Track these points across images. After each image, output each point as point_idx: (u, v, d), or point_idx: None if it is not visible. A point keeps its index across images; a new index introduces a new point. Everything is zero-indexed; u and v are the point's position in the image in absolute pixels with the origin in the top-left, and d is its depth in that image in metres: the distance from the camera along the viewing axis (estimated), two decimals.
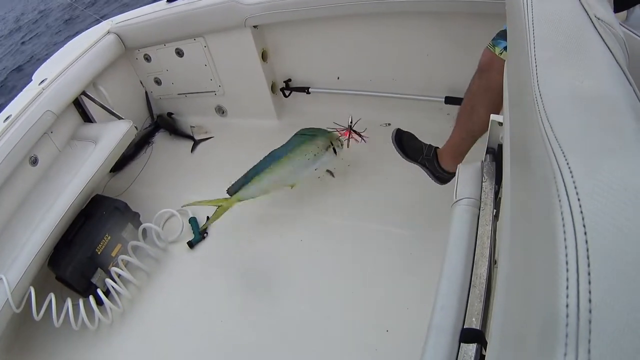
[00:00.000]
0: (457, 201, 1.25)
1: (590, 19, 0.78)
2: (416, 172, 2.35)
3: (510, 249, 0.73)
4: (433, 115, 2.91)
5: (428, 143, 2.31)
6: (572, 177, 0.48)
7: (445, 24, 2.59)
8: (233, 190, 2.73)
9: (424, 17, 2.60)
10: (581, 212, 0.44)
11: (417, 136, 2.36)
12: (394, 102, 3.03)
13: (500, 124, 1.31)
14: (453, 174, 2.06)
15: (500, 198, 1.21)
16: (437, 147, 2.27)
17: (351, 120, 2.82)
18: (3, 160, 2.63)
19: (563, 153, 0.52)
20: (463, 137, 2.11)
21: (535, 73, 0.69)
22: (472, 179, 1.30)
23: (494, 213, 1.19)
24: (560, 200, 0.47)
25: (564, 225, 0.44)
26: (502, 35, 1.87)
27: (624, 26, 1.63)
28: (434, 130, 2.43)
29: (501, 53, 1.86)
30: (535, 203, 0.57)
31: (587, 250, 0.40)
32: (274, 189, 2.73)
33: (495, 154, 1.37)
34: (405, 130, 2.37)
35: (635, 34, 1.62)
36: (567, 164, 0.50)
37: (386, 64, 2.87)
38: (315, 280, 2.39)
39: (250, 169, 2.75)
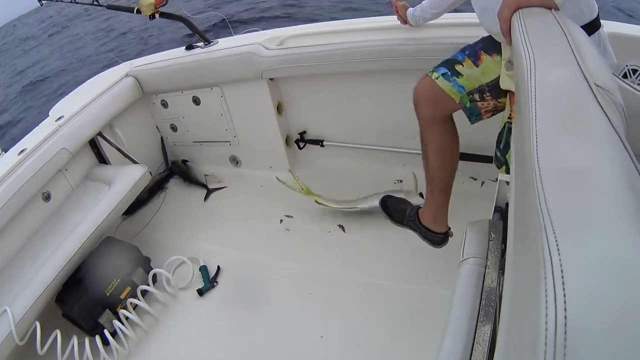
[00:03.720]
0: (464, 260, 1.25)
1: (590, 88, 0.79)
2: None
3: (507, 311, 0.74)
4: None
5: (416, 205, 2.25)
6: (558, 252, 0.50)
7: None
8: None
9: None
10: (563, 288, 0.46)
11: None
12: (408, 157, 3.01)
13: (508, 183, 1.33)
14: (441, 234, 2.11)
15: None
16: (420, 207, 2.20)
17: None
18: (15, 193, 2.61)
19: (552, 227, 0.54)
20: (431, 190, 2.06)
21: (535, 144, 0.71)
22: (480, 237, 1.30)
23: (500, 272, 1.19)
24: (545, 277, 0.48)
25: (546, 302, 0.46)
26: (446, 63, 1.87)
27: (625, 82, 1.66)
28: None
29: (437, 78, 1.85)
30: (527, 271, 0.59)
31: (565, 325, 0.42)
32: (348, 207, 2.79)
33: (503, 212, 1.38)
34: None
35: (636, 89, 1.64)
36: (556, 241, 0.51)
37: (400, 119, 2.91)
38: (322, 333, 2.33)
39: None
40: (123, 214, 3.28)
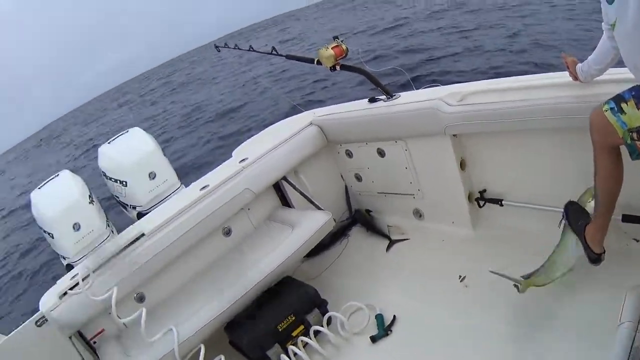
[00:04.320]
0: (621, 324, 1.27)
1: None
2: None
3: None
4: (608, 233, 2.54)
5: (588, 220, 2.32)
6: None
7: None
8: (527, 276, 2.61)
9: None
10: None
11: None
12: None
13: None
14: (596, 254, 2.20)
15: None
16: (588, 223, 2.29)
17: None
18: (197, 224, 2.82)
19: None
20: (596, 210, 2.20)
21: None
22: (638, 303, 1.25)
23: None
24: None
25: None
26: (615, 98, 1.96)
27: None
28: (610, 248, 2.25)
29: (606, 111, 1.96)
30: None
31: None
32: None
33: None
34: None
35: None
36: None
37: (581, 180, 2.59)
38: None
39: None
40: (304, 256, 3.34)
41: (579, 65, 2.34)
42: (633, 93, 1.91)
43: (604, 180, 2.11)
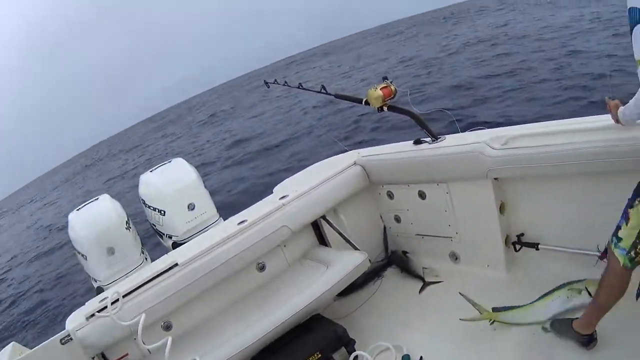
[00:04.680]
0: None
1: None
2: None
3: None
4: None
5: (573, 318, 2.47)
6: None
7: None
8: (497, 310, 2.79)
9: None
10: None
11: None
12: None
13: None
14: (588, 335, 2.36)
15: None
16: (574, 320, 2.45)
17: None
18: (231, 259, 2.89)
19: None
20: (594, 308, 2.33)
21: None
22: None
23: None
24: None
25: None
26: (616, 231, 2.12)
27: None
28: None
29: (615, 249, 2.11)
30: None
31: None
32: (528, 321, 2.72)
33: None
34: None
35: None
36: None
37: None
38: None
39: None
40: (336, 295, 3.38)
41: (621, 108, 2.32)
42: (623, 214, 2.07)
43: (608, 289, 2.22)
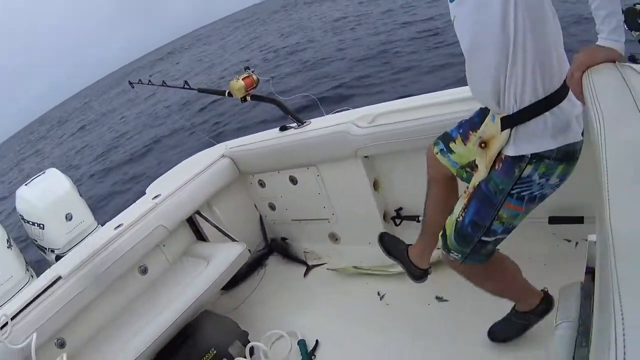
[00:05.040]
0: (557, 325, 1.22)
1: None
2: None
3: None
4: (537, 237, 2.71)
5: (408, 244, 2.46)
6: (622, 326, 0.48)
7: None
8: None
9: None
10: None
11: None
12: None
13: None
14: (422, 270, 2.36)
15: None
16: (410, 245, 2.43)
17: None
18: (112, 265, 2.75)
19: (620, 298, 0.52)
20: (423, 233, 2.33)
21: (608, 208, 0.69)
22: (572, 301, 1.27)
23: (591, 333, 1.11)
24: (609, 350, 0.47)
25: None
26: (443, 137, 2.06)
27: None
28: (541, 251, 2.53)
29: (437, 153, 2.06)
30: (600, 338, 0.58)
31: None
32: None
33: (594, 273, 1.30)
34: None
35: None
36: (621, 311, 0.50)
37: None
38: None
39: None
40: (221, 289, 3.27)
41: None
42: (460, 130, 1.98)
43: (434, 205, 2.22)
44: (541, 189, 1.64)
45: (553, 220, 2.59)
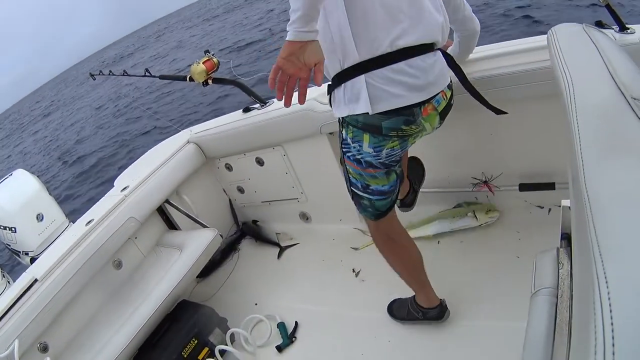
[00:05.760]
0: (535, 292, 1.21)
1: (629, 103, 0.79)
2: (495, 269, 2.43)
3: (574, 342, 0.74)
4: (508, 205, 2.78)
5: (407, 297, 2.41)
6: (607, 288, 0.48)
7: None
8: None
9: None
10: (612, 326, 0.44)
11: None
12: (464, 195, 2.91)
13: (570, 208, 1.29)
14: (435, 308, 2.26)
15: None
16: (414, 296, 2.35)
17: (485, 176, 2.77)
18: (86, 262, 2.70)
19: (602, 261, 0.52)
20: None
21: (582, 171, 0.69)
22: (549, 267, 1.25)
23: (572, 297, 1.13)
24: (595, 313, 0.47)
25: (595, 339, 0.45)
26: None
27: None
28: (514, 219, 2.60)
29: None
30: (583, 302, 0.58)
31: None
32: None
33: (570, 238, 1.31)
34: None
35: None
36: (605, 274, 0.50)
37: (469, 157, 2.76)
38: None
39: None
40: (197, 277, 3.28)
41: None
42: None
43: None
44: (360, 154, 1.77)
45: (524, 187, 2.63)
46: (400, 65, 1.58)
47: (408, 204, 2.54)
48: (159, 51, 36.00)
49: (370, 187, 1.87)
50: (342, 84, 1.67)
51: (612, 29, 2.00)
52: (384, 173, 1.82)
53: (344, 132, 1.80)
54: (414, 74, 1.60)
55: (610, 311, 0.45)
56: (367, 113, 1.63)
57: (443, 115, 1.78)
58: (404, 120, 1.66)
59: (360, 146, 1.74)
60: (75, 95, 37.35)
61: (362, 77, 1.60)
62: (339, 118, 1.80)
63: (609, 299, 0.46)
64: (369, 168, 1.80)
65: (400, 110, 1.63)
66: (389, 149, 1.73)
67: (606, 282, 0.48)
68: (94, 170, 13.17)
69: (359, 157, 1.77)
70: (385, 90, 1.60)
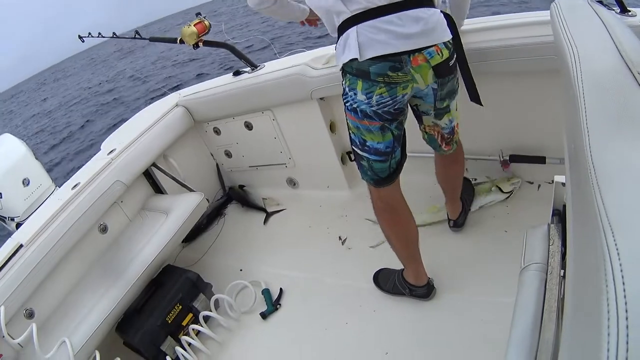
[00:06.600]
0: (525, 267, 1.20)
1: (635, 78, 0.77)
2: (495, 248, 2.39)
3: (569, 317, 0.72)
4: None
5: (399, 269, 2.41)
6: (619, 261, 0.46)
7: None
8: None
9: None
10: (625, 296, 0.43)
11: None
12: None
13: (564, 184, 1.28)
14: (427, 284, 2.28)
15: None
16: (403, 270, 2.36)
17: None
18: (72, 227, 2.66)
19: (612, 233, 0.50)
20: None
21: (588, 143, 0.67)
22: (540, 243, 1.25)
23: (562, 275, 1.12)
24: (607, 286, 0.46)
25: (608, 313, 0.43)
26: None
27: None
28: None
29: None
30: (588, 275, 0.57)
31: (627, 343, 0.40)
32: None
33: (561, 215, 1.32)
34: None
35: None
36: (616, 246, 0.48)
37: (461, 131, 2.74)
38: (387, 349, 2.21)
39: None
40: (182, 242, 3.27)
41: None
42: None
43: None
44: (355, 102, 1.84)
45: (514, 158, 2.62)
46: (391, 17, 1.68)
47: (460, 223, 2.61)
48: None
49: (367, 144, 1.90)
50: (340, 37, 1.82)
51: (613, 10, 1.97)
52: (379, 128, 1.85)
53: (343, 82, 1.89)
54: (402, 24, 1.68)
55: (623, 283, 0.44)
56: (357, 59, 1.73)
57: (439, 73, 1.80)
58: (389, 67, 1.72)
59: (355, 94, 1.82)
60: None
61: (353, 28, 1.73)
62: (340, 70, 1.90)
63: (621, 270, 0.45)
64: (365, 119, 1.85)
65: (387, 57, 1.70)
66: (378, 96, 1.77)
67: (618, 254, 0.47)
68: (82, 134, 13.06)
69: (355, 105, 1.84)
70: (372, 38, 1.70)
